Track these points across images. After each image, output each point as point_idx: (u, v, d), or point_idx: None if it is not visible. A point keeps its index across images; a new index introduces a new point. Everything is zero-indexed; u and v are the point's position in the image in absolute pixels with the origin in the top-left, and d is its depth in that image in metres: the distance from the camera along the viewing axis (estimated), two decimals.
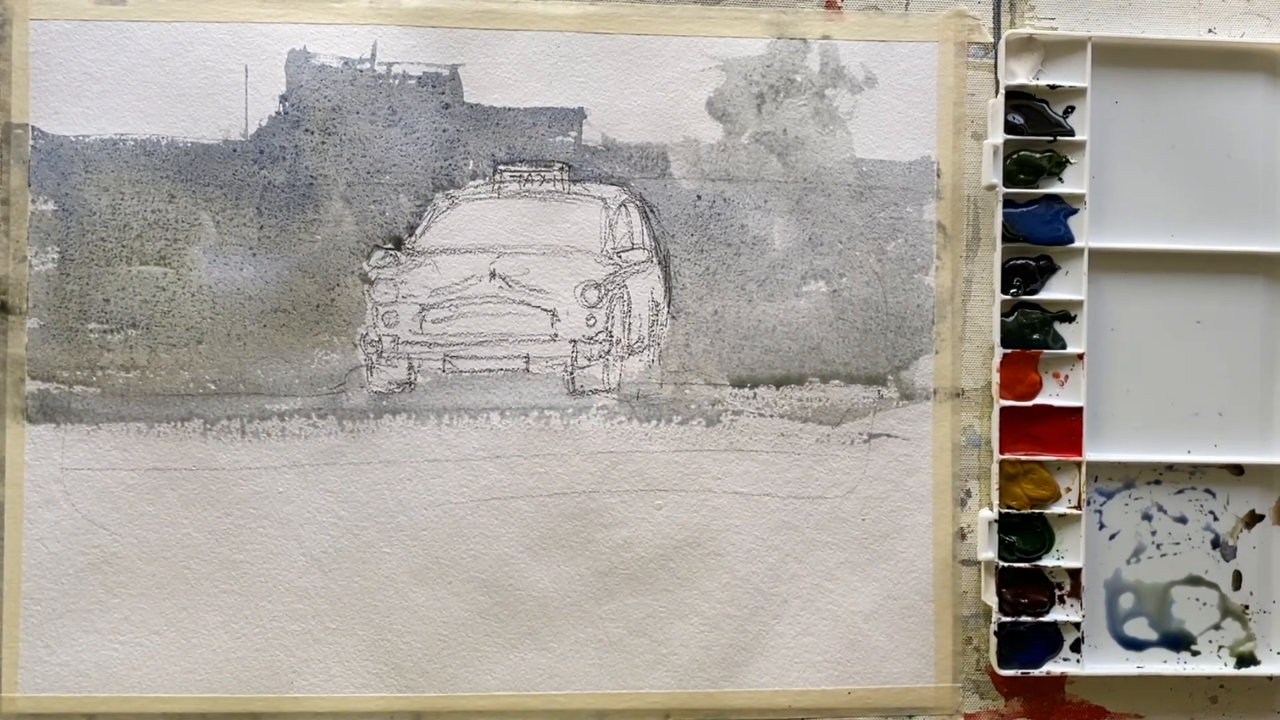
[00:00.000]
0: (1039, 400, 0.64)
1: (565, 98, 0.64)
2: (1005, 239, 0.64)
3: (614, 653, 0.64)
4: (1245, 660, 0.66)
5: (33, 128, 0.63)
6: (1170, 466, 0.66)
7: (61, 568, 0.63)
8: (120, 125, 0.63)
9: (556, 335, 0.64)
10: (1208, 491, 0.66)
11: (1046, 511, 0.64)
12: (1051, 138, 0.64)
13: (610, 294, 0.65)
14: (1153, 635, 0.66)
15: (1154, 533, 0.66)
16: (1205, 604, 0.66)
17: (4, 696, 0.62)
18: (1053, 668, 0.64)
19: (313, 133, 0.63)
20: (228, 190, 0.63)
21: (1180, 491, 0.66)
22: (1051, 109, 0.65)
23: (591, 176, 0.64)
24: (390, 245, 0.64)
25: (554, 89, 0.64)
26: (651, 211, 0.65)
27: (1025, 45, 0.65)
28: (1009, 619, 0.64)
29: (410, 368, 0.64)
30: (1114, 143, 0.66)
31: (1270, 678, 0.66)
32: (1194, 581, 0.66)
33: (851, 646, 0.65)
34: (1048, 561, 0.64)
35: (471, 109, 0.64)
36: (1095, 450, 0.65)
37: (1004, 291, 0.65)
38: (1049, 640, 0.64)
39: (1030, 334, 0.65)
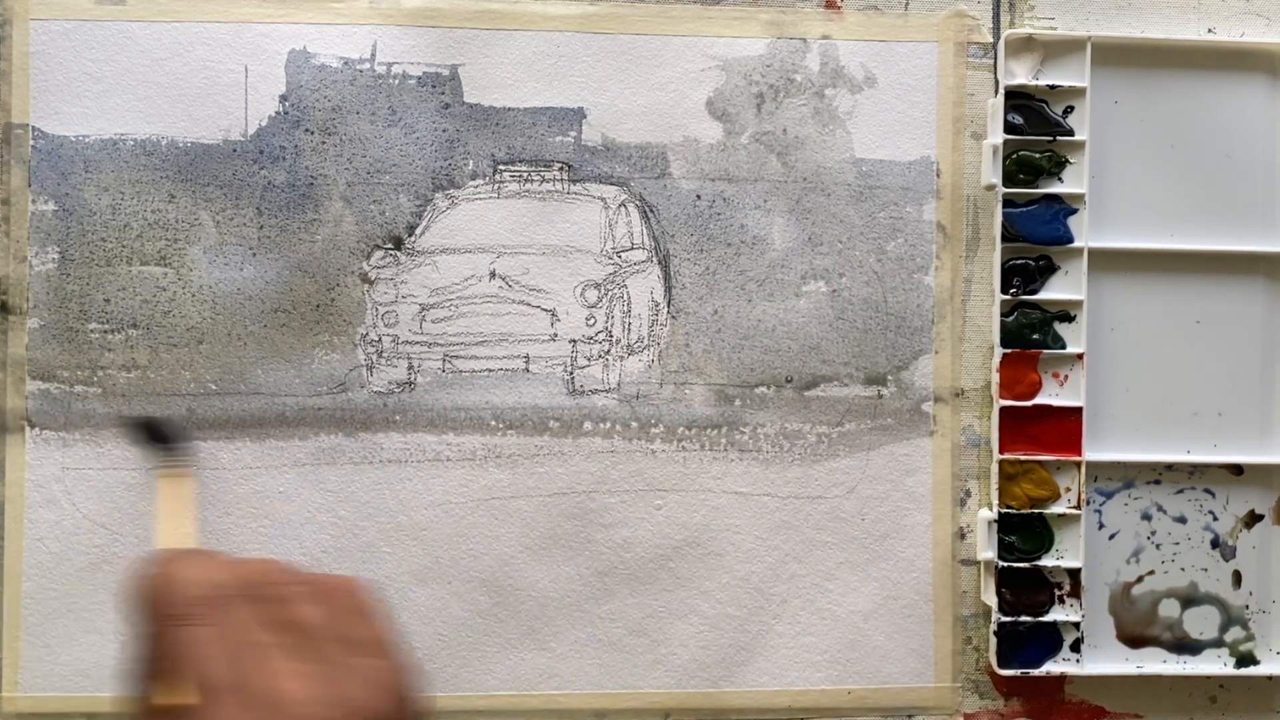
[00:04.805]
0: (1038, 400, 0.64)
1: (565, 98, 0.64)
2: (1005, 239, 0.64)
3: (614, 652, 0.64)
4: (1245, 660, 0.66)
5: (33, 128, 0.63)
6: (1170, 466, 0.66)
7: (62, 567, 0.63)
8: (120, 125, 0.63)
9: (556, 335, 0.64)
10: (1207, 491, 0.66)
11: (1046, 511, 0.64)
12: (1051, 138, 0.64)
13: (610, 294, 0.65)
14: None
15: (1153, 533, 0.66)
16: None
17: (4, 696, 0.62)
18: (1052, 667, 0.64)
19: (313, 133, 0.63)
20: (228, 190, 0.63)
21: (1180, 491, 0.66)
22: (1051, 109, 0.65)
23: (591, 176, 0.65)
24: (390, 245, 0.64)
25: (554, 89, 0.64)
26: (651, 211, 0.65)
27: (1025, 45, 0.65)
28: (1008, 619, 0.64)
29: (410, 368, 0.64)
30: (1113, 143, 0.66)
31: (1270, 678, 0.66)
32: None
33: (851, 646, 0.65)
34: (1047, 561, 0.64)
35: (471, 109, 0.64)
36: (1095, 450, 0.65)
37: (1003, 291, 0.65)
38: (1049, 640, 0.64)
39: (1030, 334, 0.65)
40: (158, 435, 0.61)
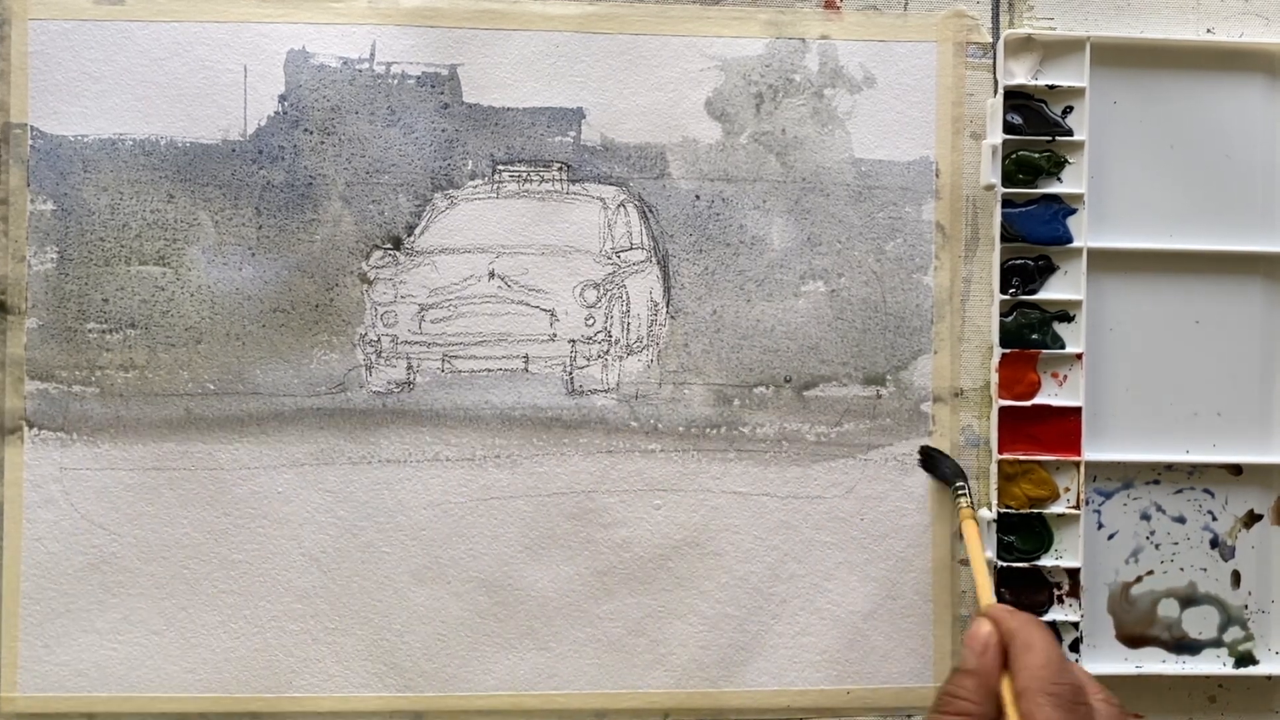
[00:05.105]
0: (1037, 400, 0.64)
1: (564, 98, 0.64)
2: (1004, 239, 0.64)
3: (613, 652, 0.64)
4: (1244, 660, 0.66)
5: (32, 127, 0.63)
6: (1169, 466, 0.66)
7: (61, 568, 0.63)
8: (119, 125, 0.63)
9: (555, 335, 0.64)
10: (1206, 491, 0.66)
11: (1045, 511, 0.64)
12: (1050, 138, 0.64)
13: (609, 294, 0.65)
14: None
15: (1152, 533, 0.66)
16: None
17: (3, 696, 0.62)
18: None
19: (312, 132, 0.63)
20: (227, 190, 0.63)
21: (1179, 491, 0.66)
22: (1050, 109, 0.65)
23: (590, 176, 0.65)
24: (389, 245, 0.64)
25: (553, 89, 0.64)
26: (650, 211, 0.65)
27: (1024, 45, 0.65)
28: None
29: (409, 368, 0.64)
30: (1113, 143, 0.66)
31: (1268, 677, 0.66)
32: None
33: (850, 646, 0.65)
34: (1046, 561, 0.64)
35: (470, 109, 0.64)
36: (1094, 450, 0.65)
37: (1003, 291, 0.65)
38: None
39: (1029, 334, 0.65)
40: (942, 465, 0.64)
